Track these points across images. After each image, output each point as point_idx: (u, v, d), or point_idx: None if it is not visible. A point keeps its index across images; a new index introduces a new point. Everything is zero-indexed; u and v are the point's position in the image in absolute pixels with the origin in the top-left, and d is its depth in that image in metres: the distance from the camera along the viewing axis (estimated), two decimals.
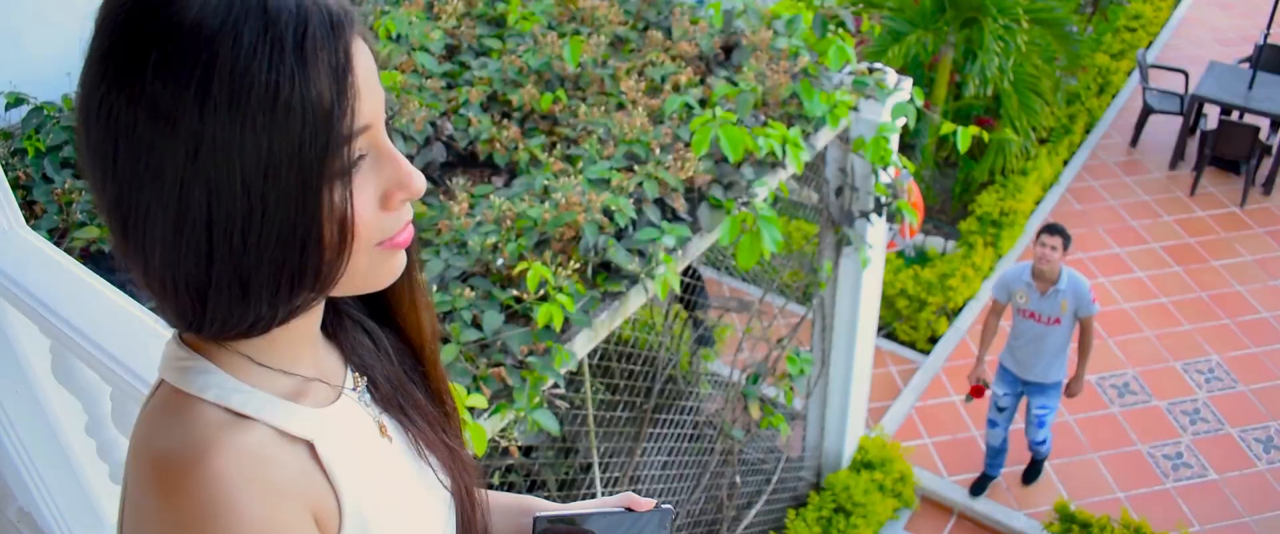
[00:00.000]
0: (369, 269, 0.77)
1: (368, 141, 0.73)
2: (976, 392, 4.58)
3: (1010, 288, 4.40)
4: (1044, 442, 4.80)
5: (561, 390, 2.45)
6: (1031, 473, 4.99)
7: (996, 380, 4.66)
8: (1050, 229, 4.25)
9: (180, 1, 0.64)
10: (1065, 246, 4.22)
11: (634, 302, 2.49)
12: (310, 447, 0.79)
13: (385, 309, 0.95)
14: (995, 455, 4.88)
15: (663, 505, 1.11)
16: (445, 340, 2.19)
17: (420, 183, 0.76)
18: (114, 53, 0.65)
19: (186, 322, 0.74)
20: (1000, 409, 4.68)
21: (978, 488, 4.96)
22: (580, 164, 2.75)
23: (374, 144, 0.74)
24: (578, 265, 2.40)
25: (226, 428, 0.75)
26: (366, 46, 0.73)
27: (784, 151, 2.73)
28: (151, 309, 1.97)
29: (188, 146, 0.64)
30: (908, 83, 3.44)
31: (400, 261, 0.80)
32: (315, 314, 0.84)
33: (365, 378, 0.92)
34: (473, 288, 2.30)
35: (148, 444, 0.76)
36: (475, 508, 1.01)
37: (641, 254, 2.47)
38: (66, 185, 2.70)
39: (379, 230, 0.76)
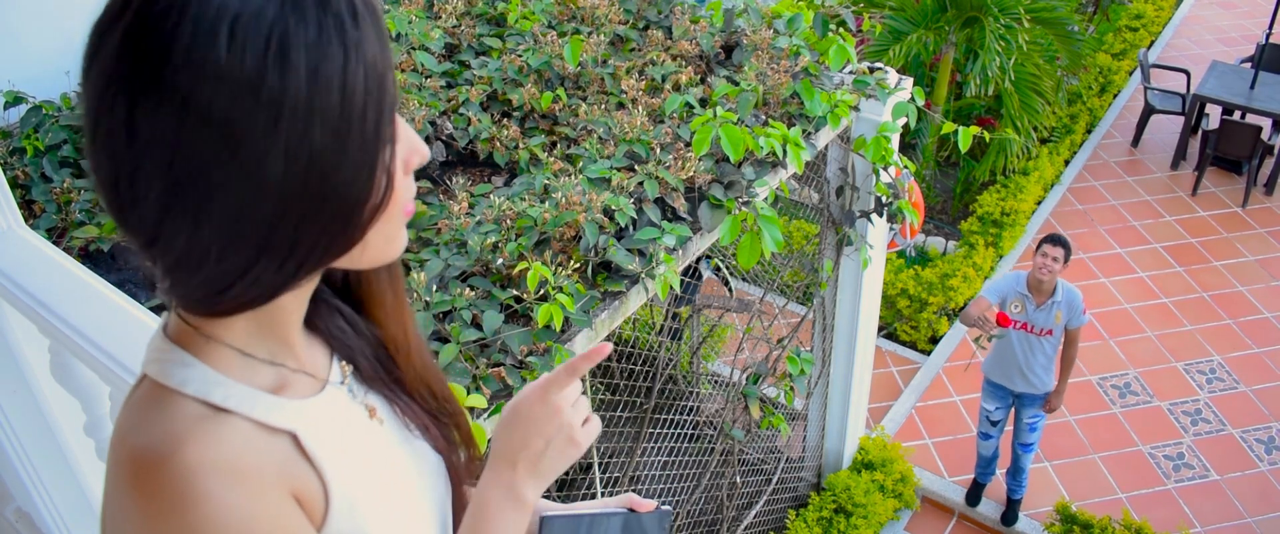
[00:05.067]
0: (387, 236, 0.79)
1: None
2: (1003, 319, 4.26)
3: (1005, 296, 4.26)
4: (1022, 472, 4.74)
5: None
6: (1010, 516, 4.87)
7: (986, 396, 4.58)
8: (1054, 240, 4.12)
9: None
10: (1067, 258, 4.11)
11: (634, 301, 2.48)
12: (293, 437, 0.80)
13: (366, 305, 0.96)
14: (987, 464, 4.85)
15: (662, 507, 1.12)
16: (445, 340, 2.19)
17: (427, 152, 0.82)
18: (177, 33, 0.65)
19: (215, 290, 0.73)
20: (993, 422, 4.62)
21: (973, 496, 4.93)
22: (580, 163, 2.75)
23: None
24: (578, 265, 2.39)
25: (202, 421, 0.75)
26: None
27: (785, 151, 2.73)
28: (151, 308, 1.96)
29: (269, 113, 0.66)
30: (909, 82, 3.43)
31: (405, 238, 0.83)
32: (302, 302, 0.84)
33: (350, 365, 0.94)
34: (472, 287, 2.29)
35: (124, 439, 0.76)
36: (459, 476, 1.04)
37: (642, 254, 2.46)
38: (65, 184, 2.69)
39: (407, 192, 0.79)
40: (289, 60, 0.65)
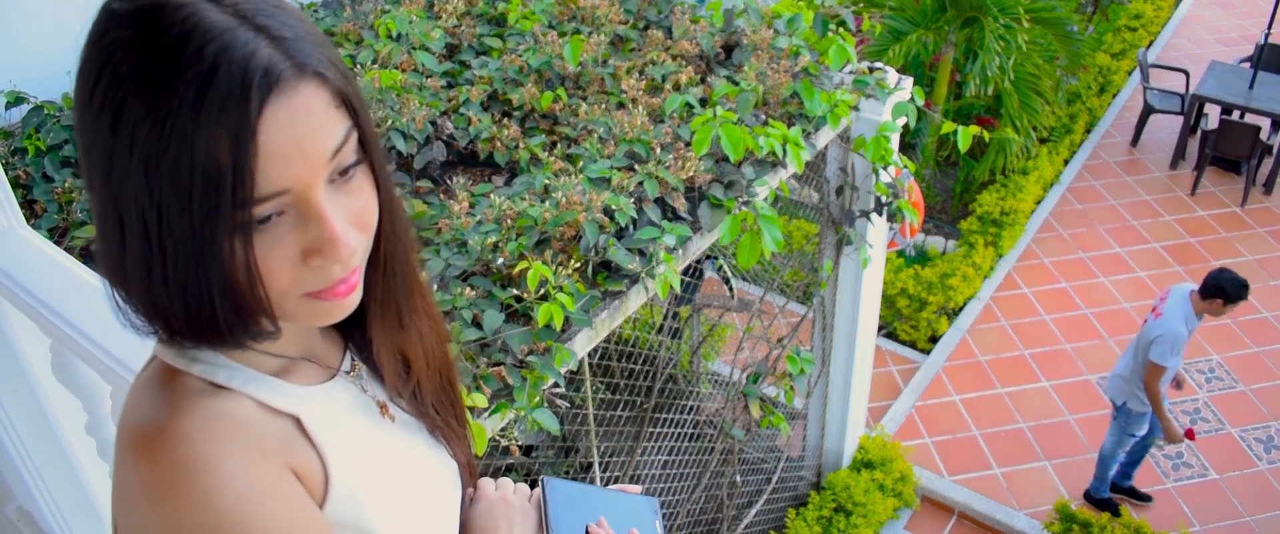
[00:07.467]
0: (304, 313, 0.77)
1: (286, 202, 0.71)
2: (1191, 434, 4.62)
3: (1183, 341, 4.37)
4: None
5: (562, 390, 2.44)
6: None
7: (1140, 422, 4.56)
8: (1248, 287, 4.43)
9: (143, 22, 0.66)
10: None
11: (634, 301, 2.48)
12: (295, 420, 0.81)
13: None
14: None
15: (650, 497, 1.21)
16: None
17: (341, 251, 0.74)
18: (89, 49, 0.68)
19: (150, 305, 0.76)
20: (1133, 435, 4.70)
21: (1140, 495, 4.92)
22: (581, 163, 2.75)
23: (298, 203, 0.71)
24: (578, 264, 2.40)
25: (204, 394, 0.76)
26: (307, 101, 0.69)
27: (784, 151, 2.73)
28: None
29: (104, 166, 0.69)
30: (908, 82, 3.44)
31: (342, 307, 0.79)
32: None
33: (363, 364, 0.94)
34: (473, 287, 2.30)
35: (128, 415, 0.77)
36: (468, 477, 1.07)
37: (642, 253, 2.47)
38: (66, 184, 2.69)
39: (299, 284, 0.74)
40: (120, 125, 0.67)
